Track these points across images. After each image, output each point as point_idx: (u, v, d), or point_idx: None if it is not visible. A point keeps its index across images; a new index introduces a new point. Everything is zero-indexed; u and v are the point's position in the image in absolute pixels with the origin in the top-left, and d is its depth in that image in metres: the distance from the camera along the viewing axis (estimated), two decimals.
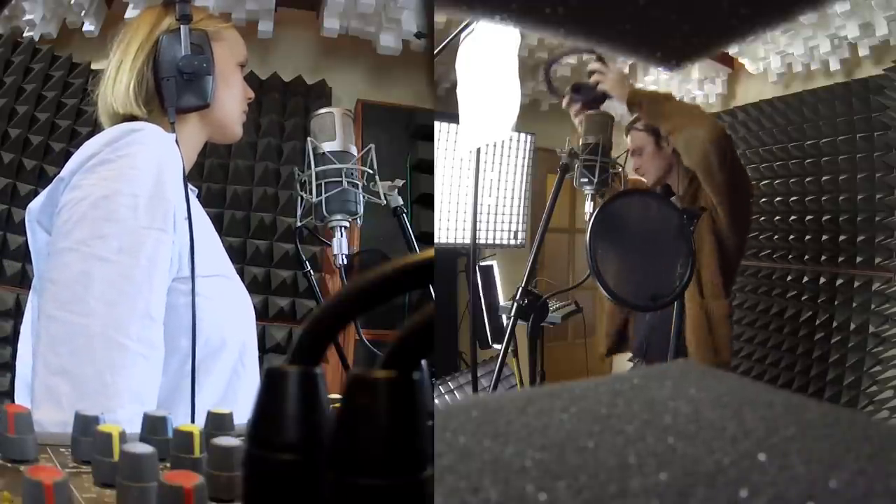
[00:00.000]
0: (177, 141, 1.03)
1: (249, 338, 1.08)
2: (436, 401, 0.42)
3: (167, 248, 0.94)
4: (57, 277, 0.91)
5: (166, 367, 0.95)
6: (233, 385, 1.02)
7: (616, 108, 2.11)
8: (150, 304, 0.90)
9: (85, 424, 0.56)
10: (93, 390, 0.84)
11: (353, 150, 1.35)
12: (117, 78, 1.07)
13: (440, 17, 2.40)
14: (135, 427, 0.78)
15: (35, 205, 1.01)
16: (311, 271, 1.85)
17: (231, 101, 1.14)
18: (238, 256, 2.91)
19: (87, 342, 0.86)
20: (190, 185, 1.04)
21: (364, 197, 1.36)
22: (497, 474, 0.29)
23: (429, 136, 3.17)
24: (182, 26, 1.04)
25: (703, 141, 1.75)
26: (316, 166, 1.31)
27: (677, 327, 1.53)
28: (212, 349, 0.99)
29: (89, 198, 0.92)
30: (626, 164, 2.07)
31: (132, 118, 1.05)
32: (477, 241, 3.11)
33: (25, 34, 2.75)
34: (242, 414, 1.00)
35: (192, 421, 0.93)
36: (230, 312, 1.05)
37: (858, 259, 2.76)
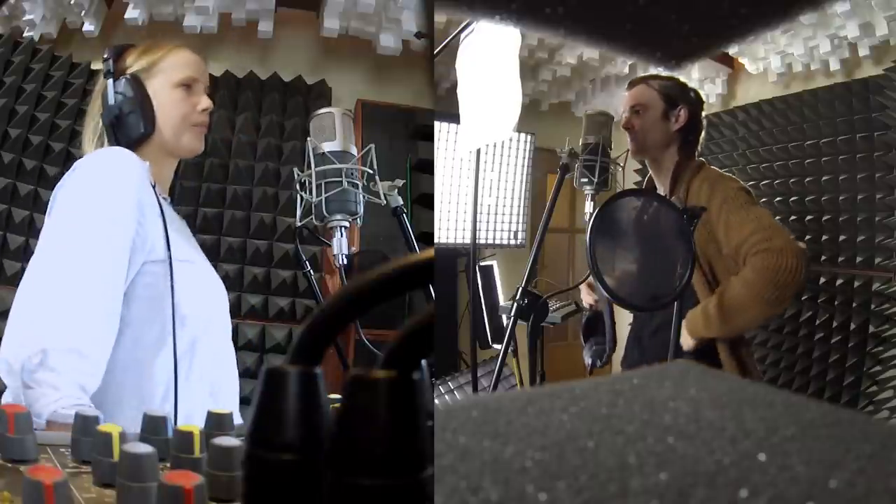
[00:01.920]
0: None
1: (216, 313, 1.26)
2: (436, 401, 0.42)
3: (117, 233, 1.12)
4: (38, 246, 1.13)
5: (122, 339, 1.12)
6: (189, 355, 1.17)
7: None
8: (96, 270, 1.08)
9: (85, 424, 0.56)
10: (39, 323, 1.04)
11: (353, 150, 1.35)
12: (84, 131, 1.33)
13: (440, 17, 2.41)
14: (63, 355, 1.03)
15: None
16: (311, 271, 1.85)
17: (170, 123, 1.27)
18: (238, 256, 2.91)
19: (43, 290, 1.08)
20: (162, 195, 1.24)
21: (364, 197, 1.36)
22: (497, 474, 0.29)
23: (429, 136, 3.17)
24: (107, 81, 1.25)
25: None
26: (316, 166, 1.31)
27: (677, 327, 1.53)
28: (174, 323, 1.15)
29: (62, 194, 1.17)
30: (625, 164, 2.04)
31: None
32: (477, 241, 3.11)
33: (25, 34, 2.75)
34: (197, 385, 1.19)
35: (176, 390, 1.12)
36: (195, 294, 1.20)
37: (858, 259, 2.76)
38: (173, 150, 1.30)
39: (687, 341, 1.68)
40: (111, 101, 1.25)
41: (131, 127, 1.25)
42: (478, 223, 3.23)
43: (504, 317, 2.10)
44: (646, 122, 1.82)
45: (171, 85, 1.27)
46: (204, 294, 1.25)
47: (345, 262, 1.34)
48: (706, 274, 1.72)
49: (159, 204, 1.18)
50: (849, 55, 2.89)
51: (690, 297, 1.68)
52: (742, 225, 1.62)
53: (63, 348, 1.02)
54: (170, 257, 1.15)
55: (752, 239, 1.59)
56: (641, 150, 1.86)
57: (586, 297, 2.04)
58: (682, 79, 1.96)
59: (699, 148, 1.89)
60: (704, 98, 1.96)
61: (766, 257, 1.56)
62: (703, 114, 1.89)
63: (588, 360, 1.95)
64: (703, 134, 1.88)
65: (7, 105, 2.61)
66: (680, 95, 1.84)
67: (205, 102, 1.30)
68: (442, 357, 3.23)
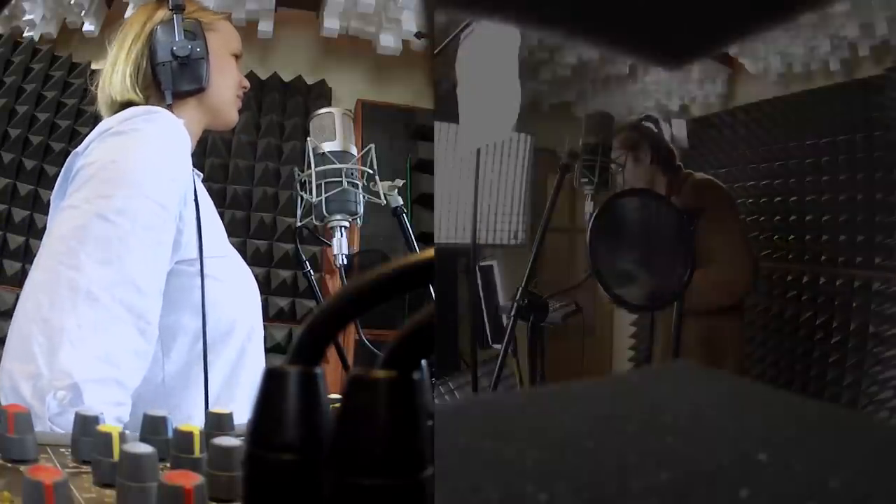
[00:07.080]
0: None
1: (256, 318, 1.12)
2: (436, 401, 0.42)
3: (167, 224, 0.95)
4: (55, 231, 0.93)
5: (177, 348, 0.97)
6: (242, 363, 1.04)
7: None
8: (139, 272, 0.90)
9: (85, 424, 0.56)
10: (66, 343, 0.83)
11: (353, 150, 1.35)
12: (115, 69, 1.11)
13: (440, 17, 2.40)
14: (99, 389, 0.82)
15: (56, 186, 1.03)
16: (311, 271, 1.85)
17: (225, 88, 1.18)
18: None
19: (71, 295, 0.85)
20: (195, 170, 1.07)
21: (364, 197, 1.36)
22: (497, 474, 0.29)
23: (429, 136, 3.17)
24: (175, 15, 1.09)
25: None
26: (316, 166, 1.31)
27: (677, 327, 1.53)
28: (222, 330, 1.02)
29: (98, 161, 0.95)
30: (625, 164, 2.05)
31: (130, 105, 1.07)
32: (477, 241, 3.11)
33: (25, 34, 2.75)
34: (249, 393, 0.96)
35: (206, 399, 0.95)
36: (239, 293, 1.08)
37: (858, 259, 2.76)
38: (216, 116, 1.17)
39: None
40: (178, 37, 1.07)
41: (190, 74, 1.08)
42: (478, 223, 3.22)
43: (504, 317, 2.11)
44: (628, 174, 2.03)
45: (229, 51, 1.19)
46: (244, 295, 1.10)
47: (345, 262, 1.34)
48: None
49: (195, 188, 1.01)
50: (849, 55, 2.88)
51: None
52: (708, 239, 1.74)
53: (98, 378, 0.83)
54: (201, 257, 0.98)
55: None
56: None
57: None
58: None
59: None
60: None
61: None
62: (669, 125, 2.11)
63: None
64: (677, 137, 2.10)
65: (7, 105, 2.61)
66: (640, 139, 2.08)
67: (245, 81, 1.24)
68: (442, 357, 3.23)
